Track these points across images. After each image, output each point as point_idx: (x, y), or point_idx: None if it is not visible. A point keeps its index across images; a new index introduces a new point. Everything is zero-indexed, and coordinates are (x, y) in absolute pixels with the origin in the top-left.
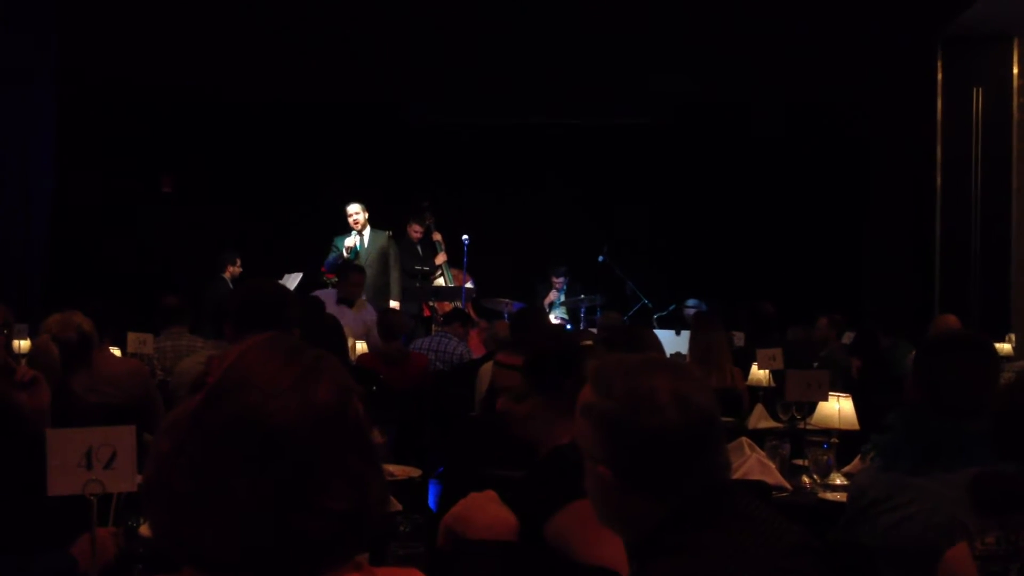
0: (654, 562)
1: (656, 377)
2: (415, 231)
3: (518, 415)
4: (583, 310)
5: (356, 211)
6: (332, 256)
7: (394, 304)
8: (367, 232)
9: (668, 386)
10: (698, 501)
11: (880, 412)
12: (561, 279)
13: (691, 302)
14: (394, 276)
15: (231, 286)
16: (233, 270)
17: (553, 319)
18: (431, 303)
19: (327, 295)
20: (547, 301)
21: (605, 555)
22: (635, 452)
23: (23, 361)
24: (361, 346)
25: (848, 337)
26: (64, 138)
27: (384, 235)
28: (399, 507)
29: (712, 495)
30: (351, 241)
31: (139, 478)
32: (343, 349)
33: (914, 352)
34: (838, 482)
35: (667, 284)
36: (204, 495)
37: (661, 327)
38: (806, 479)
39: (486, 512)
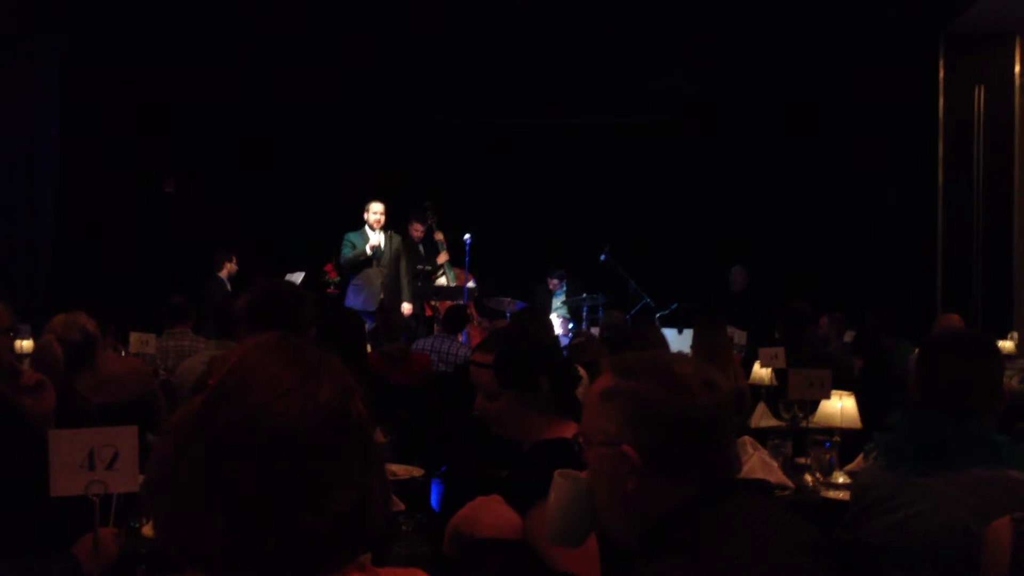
0: (661, 558)
1: (680, 364)
2: (416, 230)
3: (492, 413)
4: (585, 309)
5: (382, 210)
6: (352, 252)
7: (406, 306)
8: (382, 233)
9: (693, 371)
10: (710, 494)
11: (882, 411)
12: (556, 280)
13: (736, 268)
14: (407, 279)
15: (228, 285)
16: (230, 267)
17: (554, 318)
18: (433, 303)
19: None
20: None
21: (567, 558)
22: (664, 431)
23: (27, 361)
24: None
25: (849, 336)
26: (68, 139)
27: (399, 237)
28: (402, 507)
29: (723, 489)
30: (376, 240)
31: (141, 478)
32: (363, 349)
33: (916, 351)
34: (840, 481)
35: (669, 283)
36: (207, 496)
37: (663, 326)
38: (808, 478)
39: (493, 512)
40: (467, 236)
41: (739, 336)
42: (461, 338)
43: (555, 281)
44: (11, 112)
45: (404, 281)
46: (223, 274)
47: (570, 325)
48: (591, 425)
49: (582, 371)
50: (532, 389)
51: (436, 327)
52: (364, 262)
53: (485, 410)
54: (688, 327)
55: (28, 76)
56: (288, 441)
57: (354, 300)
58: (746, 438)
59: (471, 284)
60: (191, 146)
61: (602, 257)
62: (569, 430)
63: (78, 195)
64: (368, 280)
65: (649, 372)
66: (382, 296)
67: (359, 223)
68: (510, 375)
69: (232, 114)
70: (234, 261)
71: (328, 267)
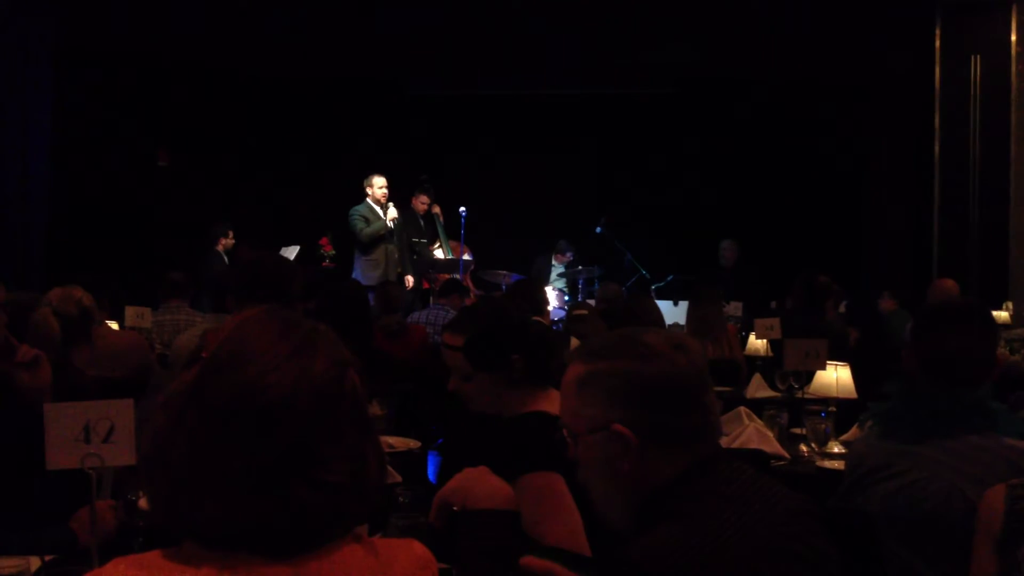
0: (659, 528)
1: (647, 334)
2: (422, 202)
3: (468, 394)
4: (581, 281)
5: (386, 183)
6: (370, 227)
7: (409, 279)
8: (392, 206)
9: (660, 339)
10: (702, 465)
11: (878, 381)
12: (567, 255)
13: (725, 243)
14: (407, 252)
15: (225, 258)
16: (226, 242)
17: (550, 291)
18: (430, 274)
19: None
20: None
21: (550, 533)
22: (648, 400)
23: None
24: None
25: (844, 307)
26: (61, 112)
27: (397, 210)
28: (399, 478)
29: (714, 460)
30: (393, 213)
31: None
32: (366, 320)
33: (912, 321)
34: (836, 450)
35: (665, 255)
36: (202, 469)
37: (659, 298)
38: (804, 448)
39: (484, 483)
40: (463, 209)
41: (735, 308)
42: None
43: (566, 256)
44: (3, 88)
45: (406, 254)
46: (220, 248)
47: (566, 298)
48: (573, 417)
49: (577, 343)
50: (505, 368)
51: (432, 300)
52: (382, 236)
53: (460, 390)
54: (684, 299)
55: (22, 50)
56: (282, 413)
57: (371, 275)
58: (742, 409)
59: (467, 256)
60: (184, 119)
61: (598, 229)
62: (546, 400)
63: (72, 169)
64: (386, 254)
65: (617, 349)
66: (399, 270)
67: (355, 197)
68: (482, 357)
69: (225, 87)
70: (231, 236)
71: (323, 240)
